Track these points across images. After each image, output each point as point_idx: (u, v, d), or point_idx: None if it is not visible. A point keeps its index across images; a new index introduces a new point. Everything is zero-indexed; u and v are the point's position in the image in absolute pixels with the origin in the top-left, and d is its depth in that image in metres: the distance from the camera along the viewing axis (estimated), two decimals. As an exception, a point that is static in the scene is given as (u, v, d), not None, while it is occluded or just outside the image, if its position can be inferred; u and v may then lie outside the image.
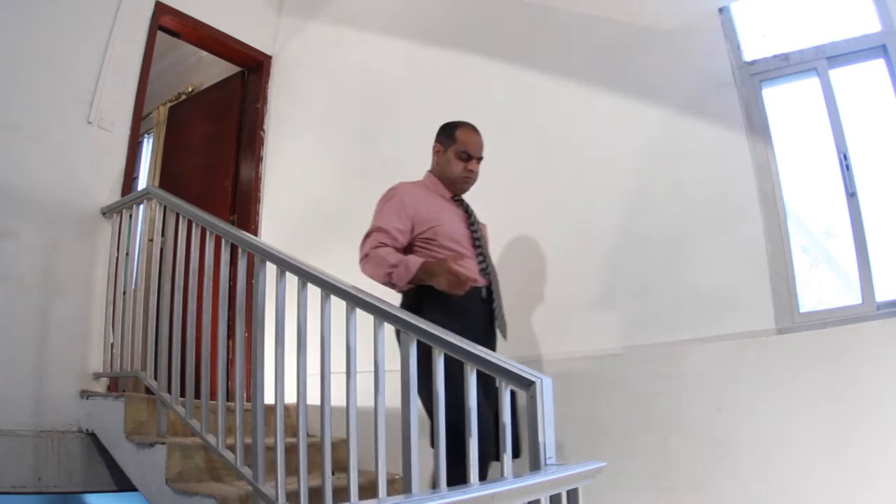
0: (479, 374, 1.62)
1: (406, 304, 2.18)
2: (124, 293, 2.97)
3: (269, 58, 4.18)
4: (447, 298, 2.08)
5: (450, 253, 2.20)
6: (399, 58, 3.64)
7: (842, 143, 2.44)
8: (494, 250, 3.16)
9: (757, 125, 2.59)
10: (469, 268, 2.21)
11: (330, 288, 2.05)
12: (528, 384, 1.52)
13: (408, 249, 2.28)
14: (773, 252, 2.47)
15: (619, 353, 2.68)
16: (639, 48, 2.89)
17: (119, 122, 3.22)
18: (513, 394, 1.70)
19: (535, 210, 3.01)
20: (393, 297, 2.04)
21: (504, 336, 2.30)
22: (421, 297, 2.15)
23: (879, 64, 2.44)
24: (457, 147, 2.38)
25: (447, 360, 1.67)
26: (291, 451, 2.18)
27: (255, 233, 3.85)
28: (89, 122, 3.10)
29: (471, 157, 2.36)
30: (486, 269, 2.32)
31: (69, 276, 2.91)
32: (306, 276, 2.14)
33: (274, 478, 2.09)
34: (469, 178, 2.38)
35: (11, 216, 2.77)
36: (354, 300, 1.98)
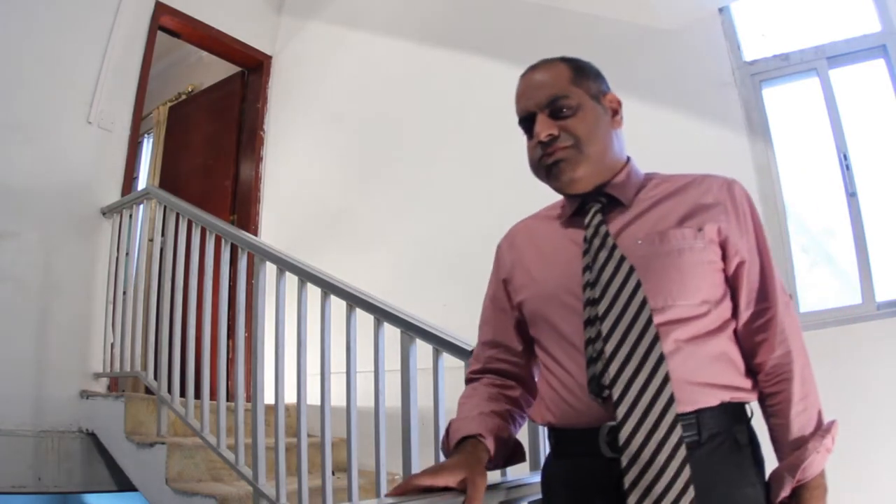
0: None
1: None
2: (124, 293, 2.97)
3: (269, 58, 4.18)
4: (550, 466, 1.09)
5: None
6: (399, 58, 3.64)
7: (842, 143, 2.44)
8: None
9: (757, 125, 2.59)
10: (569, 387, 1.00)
11: (330, 287, 2.06)
12: (528, 384, 1.51)
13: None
14: (773, 252, 2.47)
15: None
16: (639, 48, 2.89)
17: (119, 122, 3.22)
18: None
19: (536, 210, 3.01)
20: (394, 297, 2.04)
21: None
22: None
23: (879, 64, 2.44)
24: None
25: None
26: (291, 451, 2.18)
27: (255, 233, 3.85)
28: (89, 122, 3.10)
29: (528, 120, 1.11)
30: (608, 378, 0.94)
31: (69, 276, 2.91)
32: (306, 276, 2.14)
33: (274, 478, 2.09)
34: (547, 159, 1.06)
35: (11, 216, 2.77)
36: (354, 300, 1.98)
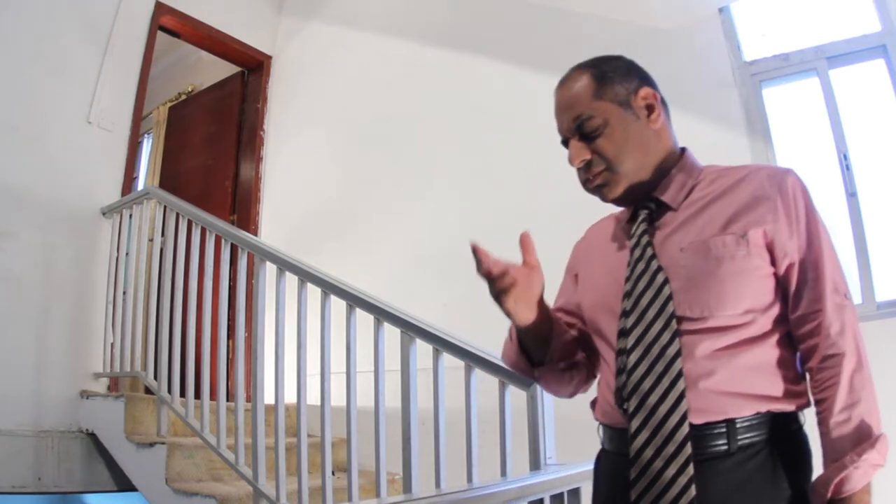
0: None
1: None
2: (124, 293, 2.97)
3: (269, 58, 4.18)
4: (600, 458, 1.10)
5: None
6: (399, 58, 3.64)
7: (842, 143, 2.44)
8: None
9: (757, 125, 2.59)
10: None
11: (330, 287, 2.06)
12: (527, 384, 1.52)
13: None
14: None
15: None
16: (639, 48, 2.88)
17: (119, 122, 3.22)
18: None
19: (536, 210, 3.01)
20: (394, 297, 2.04)
21: None
22: None
23: (879, 64, 2.44)
24: None
25: None
26: (291, 451, 2.18)
27: (255, 233, 3.85)
28: (89, 122, 3.10)
29: (566, 143, 1.14)
30: (630, 385, 0.95)
31: (69, 276, 2.91)
32: (306, 276, 2.14)
33: (274, 478, 2.09)
34: (589, 184, 1.12)
35: (11, 216, 2.77)
36: (354, 300, 1.98)
